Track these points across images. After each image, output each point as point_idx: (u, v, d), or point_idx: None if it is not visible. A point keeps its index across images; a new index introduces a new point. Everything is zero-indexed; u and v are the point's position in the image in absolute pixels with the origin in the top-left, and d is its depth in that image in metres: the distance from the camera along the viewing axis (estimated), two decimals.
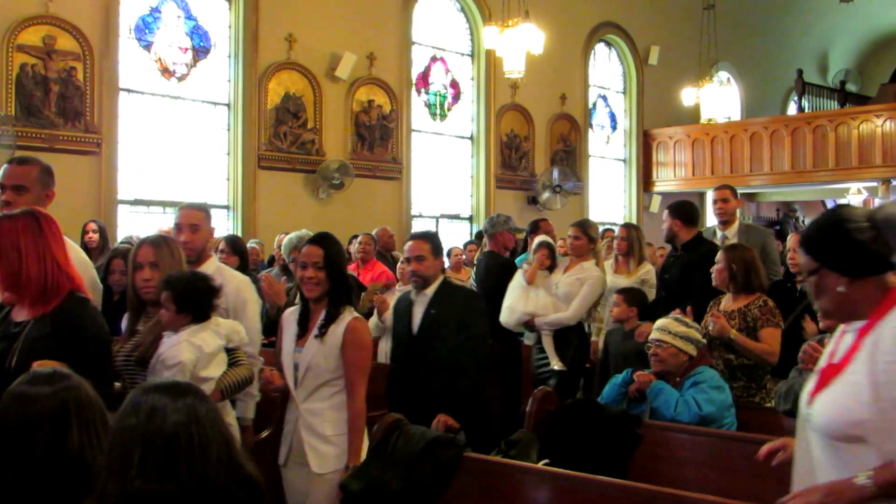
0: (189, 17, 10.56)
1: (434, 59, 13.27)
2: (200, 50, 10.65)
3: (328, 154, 11.34)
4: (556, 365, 5.85)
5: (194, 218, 4.20)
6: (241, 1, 10.72)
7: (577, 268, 6.08)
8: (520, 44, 10.15)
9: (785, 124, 15.19)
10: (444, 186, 13.33)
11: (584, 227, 6.21)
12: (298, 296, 3.82)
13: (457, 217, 13.51)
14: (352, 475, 3.46)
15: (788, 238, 6.10)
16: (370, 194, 11.76)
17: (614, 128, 16.29)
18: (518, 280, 6.22)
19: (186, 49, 10.52)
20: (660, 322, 4.52)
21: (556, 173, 14.13)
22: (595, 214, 15.29)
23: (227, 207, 10.82)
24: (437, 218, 13.20)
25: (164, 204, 10.28)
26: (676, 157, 16.10)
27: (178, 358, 3.42)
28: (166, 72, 10.35)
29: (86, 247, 7.21)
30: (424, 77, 13.12)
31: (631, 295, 5.64)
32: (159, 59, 10.29)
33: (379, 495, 3.35)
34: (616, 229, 6.60)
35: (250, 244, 8.85)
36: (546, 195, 14.05)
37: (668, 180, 16.24)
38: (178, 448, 1.84)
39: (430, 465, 3.30)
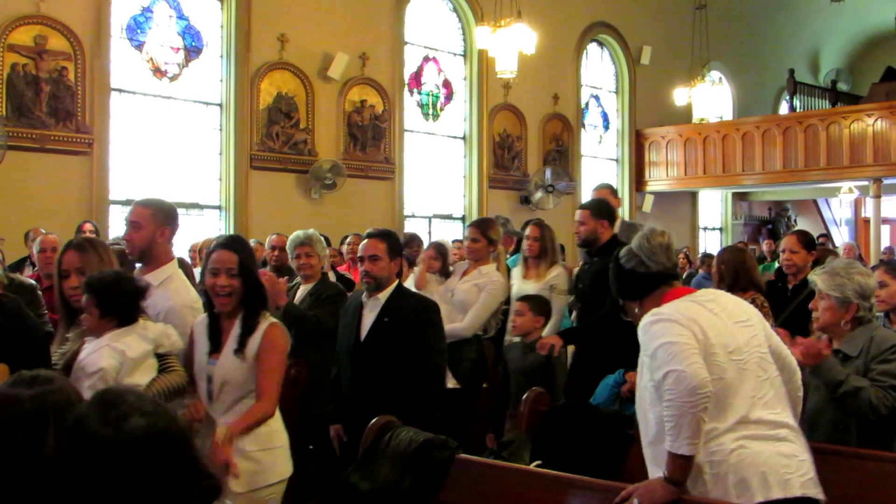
0: (181, 16, 10.53)
1: (426, 59, 13.27)
2: (192, 50, 10.63)
3: (320, 154, 11.33)
4: (448, 382, 4.99)
5: (136, 215, 3.88)
6: (234, 1, 10.70)
7: (474, 273, 5.50)
8: (512, 44, 10.16)
9: (776, 124, 15.23)
10: (437, 186, 13.32)
11: (483, 228, 5.61)
12: (207, 303, 3.50)
13: (449, 217, 13.51)
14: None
15: (783, 238, 6.03)
16: (363, 194, 11.75)
17: (606, 127, 16.31)
18: (409, 285, 5.63)
19: (178, 49, 10.50)
20: None
21: (548, 173, 14.15)
22: None
23: (219, 208, 10.81)
24: (429, 218, 13.20)
25: None
26: (668, 156, 16.13)
27: (99, 364, 3.19)
28: (158, 72, 10.33)
29: None
30: (417, 77, 13.12)
31: (537, 303, 5.10)
32: (151, 59, 10.27)
33: (372, 496, 3.34)
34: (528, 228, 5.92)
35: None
36: (539, 195, 14.06)
37: (660, 180, 16.27)
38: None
39: (422, 467, 3.29)
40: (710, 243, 17.40)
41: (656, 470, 2.73)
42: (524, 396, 4.19)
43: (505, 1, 10.69)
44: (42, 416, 1.98)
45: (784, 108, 19.07)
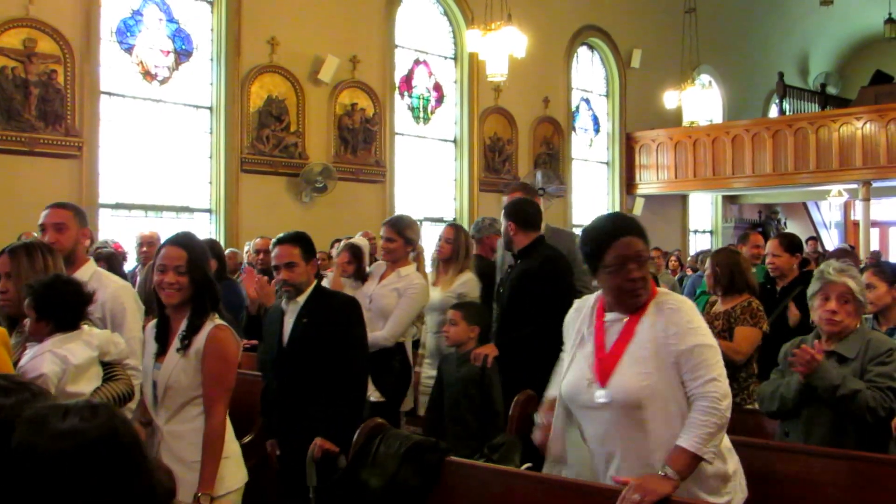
0: (171, 19, 10.51)
1: (417, 62, 13.28)
2: (182, 53, 10.61)
3: (311, 157, 11.32)
4: (371, 395, 4.67)
5: (58, 216, 3.81)
6: (224, 4, 10.68)
7: (393, 276, 5.05)
8: (503, 47, 10.17)
9: (766, 127, 15.29)
10: (428, 189, 13.33)
11: (399, 227, 5.11)
12: (156, 305, 3.41)
13: (440, 220, 13.50)
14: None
15: (768, 242, 6.03)
16: (353, 198, 11.74)
17: (597, 131, 16.34)
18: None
19: (168, 52, 10.48)
20: None
21: (539, 176, 14.16)
22: (578, 217, 15.34)
23: (209, 211, 10.79)
24: (420, 221, 13.18)
25: (145, 208, 10.24)
26: (659, 159, 16.17)
27: (40, 370, 3.04)
28: (148, 75, 10.30)
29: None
30: (407, 80, 13.12)
31: (471, 312, 4.71)
32: (141, 63, 10.24)
33: (363, 500, 3.34)
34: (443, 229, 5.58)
35: (245, 247, 8.86)
36: None
37: (650, 183, 16.31)
38: None
39: (412, 470, 3.28)
40: (701, 246, 17.43)
41: (654, 461, 2.65)
42: (514, 399, 4.18)
43: (495, 4, 10.71)
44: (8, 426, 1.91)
45: (774, 112, 19.14)
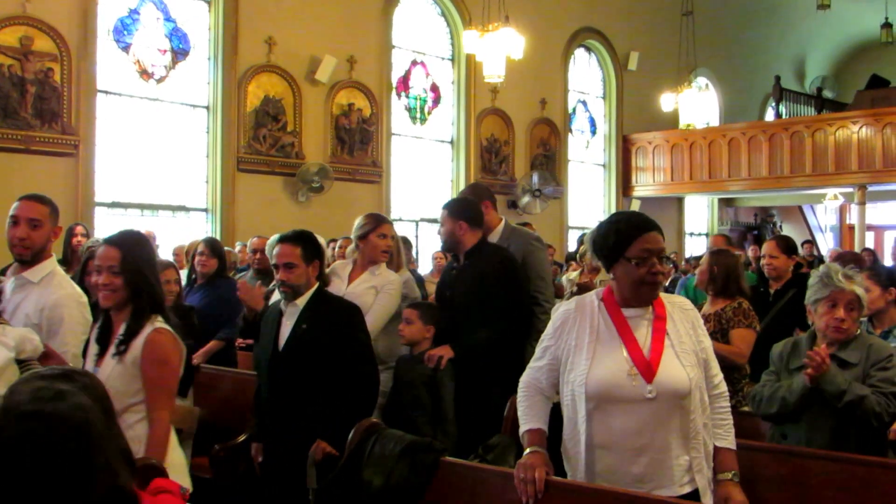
0: (168, 18, 10.51)
1: (414, 62, 13.28)
2: (179, 52, 10.60)
3: (308, 157, 11.33)
4: None
5: (35, 212, 3.61)
6: (221, 3, 10.68)
7: (366, 274, 4.83)
8: (500, 48, 10.19)
9: (763, 130, 15.32)
10: (424, 190, 13.33)
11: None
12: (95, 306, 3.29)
13: (436, 221, 13.49)
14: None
15: (764, 243, 6.03)
16: (350, 198, 11.74)
17: (594, 132, 16.36)
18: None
19: (165, 51, 10.47)
20: None
21: (535, 178, 14.17)
22: (574, 219, 15.36)
23: (205, 210, 10.78)
24: (416, 222, 13.20)
25: (142, 207, 10.24)
26: (655, 161, 16.20)
27: None
28: (145, 73, 10.30)
29: (73, 250, 7.18)
30: (405, 81, 13.13)
31: (427, 311, 4.58)
32: (138, 61, 10.24)
33: (358, 499, 3.34)
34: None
35: (237, 246, 8.86)
36: (526, 199, 14.09)
37: (647, 185, 16.33)
38: None
39: (406, 469, 3.28)
40: (696, 249, 17.47)
41: (688, 447, 2.78)
42: (510, 399, 4.18)
43: (493, 5, 10.72)
44: None
45: (770, 115, 19.18)
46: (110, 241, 3.25)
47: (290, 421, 3.78)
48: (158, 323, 3.18)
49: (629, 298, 2.86)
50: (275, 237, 5.28)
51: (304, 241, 3.91)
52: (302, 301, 3.86)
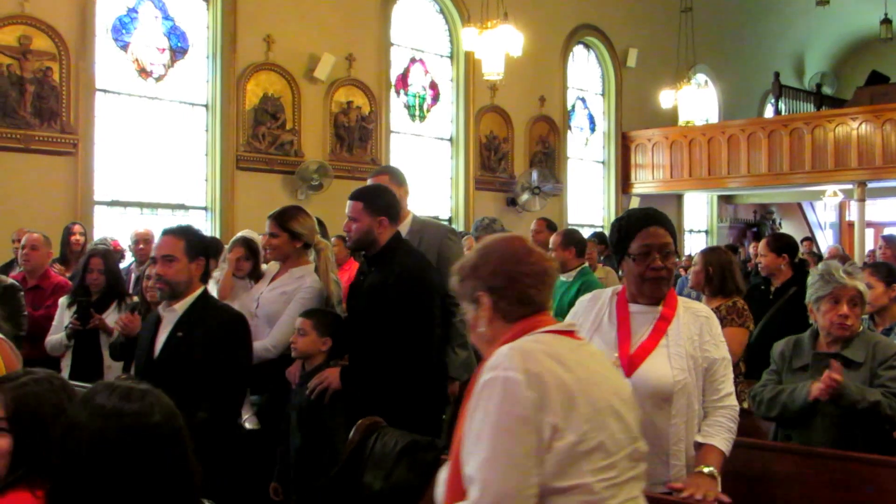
0: (166, 17, 10.49)
1: (413, 60, 13.26)
2: (178, 50, 10.58)
3: (307, 155, 11.31)
4: (247, 423, 4.20)
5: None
6: (219, 1, 10.66)
7: (285, 276, 4.35)
8: (499, 45, 10.16)
9: (762, 127, 15.30)
10: (424, 188, 13.31)
11: (282, 220, 4.38)
12: None
13: (436, 219, 13.49)
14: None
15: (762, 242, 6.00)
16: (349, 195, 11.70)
17: (593, 130, 16.34)
18: (210, 289, 4.70)
19: (164, 49, 10.45)
20: None
21: (535, 175, 14.16)
22: (574, 216, 15.35)
23: (205, 209, 10.77)
24: None
25: (141, 205, 10.23)
26: (654, 159, 16.18)
27: None
28: (143, 72, 10.28)
29: (72, 249, 7.18)
30: (403, 78, 13.11)
31: (322, 321, 4.01)
32: (136, 60, 10.22)
33: (358, 498, 3.33)
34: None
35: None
36: (525, 197, 14.08)
37: (646, 182, 16.32)
38: None
39: (406, 468, 3.27)
40: (696, 246, 17.46)
41: (670, 454, 2.74)
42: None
43: (491, 2, 10.70)
44: None
45: (769, 112, 19.16)
46: None
47: None
48: None
49: (636, 294, 2.87)
50: (244, 233, 5.08)
51: (188, 235, 3.64)
52: (181, 306, 3.58)
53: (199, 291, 3.61)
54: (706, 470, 2.69)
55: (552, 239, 6.16)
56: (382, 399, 3.71)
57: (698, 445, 2.76)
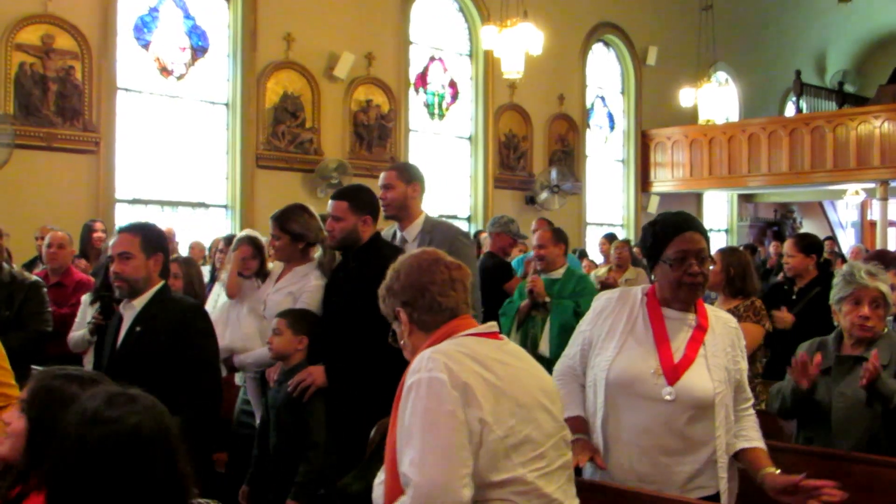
0: (187, 16, 10.55)
1: (432, 58, 13.27)
2: (199, 49, 10.64)
3: (326, 153, 11.34)
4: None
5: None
6: (240, 0, 10.71)
7: (289, 276, 4.33)
8: (518, 44, 10.14)
9: (783, 125, 15.20)
10: (443, 186, 13.32)
11: (282, 221, 4.34)
12: None
13: (454, 217, 13.50)
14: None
15: (786, 241, 5.94)
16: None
17: (612, 128, 16.29)
18: (218, 292, 4.75)
19: (185, 48, 10.51)
20: None
21: (554, 173, 14.14)
22: (593, 215, 15.32)
23: (225, 207, 10.82)
24: None
25: (162, 203, 10.29)
26: (674, 157, 16.11)
27: None
28: (164, 71, 10.34)
29: (94, 246, 7.22)
30: (423, 77, 13.12)
31: (298, 320, 3.95)
32: (157, 59, 10.28)
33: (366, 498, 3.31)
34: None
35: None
36: (544, 195, 14.06)
37: (665, 181, 16.25)
38: None
39: None
40: (716, 245, 17.38)
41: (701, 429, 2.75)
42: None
43: (511, 1, 10.68)
44: None
45: (790, 110, 19.03)
46: None
47: None
48: None
49: (669, 299, 2.85)
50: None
51: (144, 231, 3.63)
52: (140, 302, 3.56)
53: (158, 286, 3.60)
54: (777, 471, 2.72)
55: (542, 234, 5.75)
56: (366, 395, 3.69)
57: (742, 450, 2.80)
